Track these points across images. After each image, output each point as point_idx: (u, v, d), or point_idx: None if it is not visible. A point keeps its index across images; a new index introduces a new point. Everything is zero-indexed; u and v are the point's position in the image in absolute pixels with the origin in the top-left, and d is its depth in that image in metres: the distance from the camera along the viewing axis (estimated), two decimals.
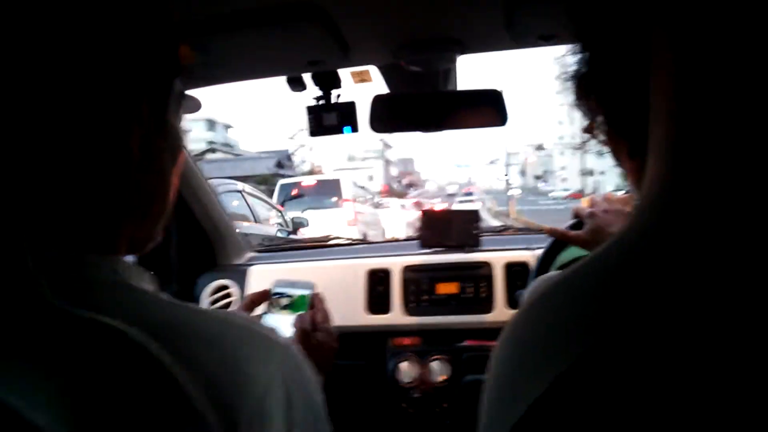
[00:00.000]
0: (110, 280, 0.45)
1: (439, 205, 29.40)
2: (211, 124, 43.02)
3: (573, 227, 1.10)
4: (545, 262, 1.28)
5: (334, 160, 54.41)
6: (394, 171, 69.04)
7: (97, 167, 0.45)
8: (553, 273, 0.57)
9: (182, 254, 1.80)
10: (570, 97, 0.45)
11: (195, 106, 1.47)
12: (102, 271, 0.45)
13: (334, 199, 10.28)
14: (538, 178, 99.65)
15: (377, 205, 13.24)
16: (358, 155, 59.93)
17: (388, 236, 10.50)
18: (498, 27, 1.06)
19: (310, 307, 0.99)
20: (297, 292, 1.00)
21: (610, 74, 0.40)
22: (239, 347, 0.45)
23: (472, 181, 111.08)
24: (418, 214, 1.86)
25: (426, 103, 1.21)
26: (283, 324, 0.94)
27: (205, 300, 1.76)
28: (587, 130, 0.45)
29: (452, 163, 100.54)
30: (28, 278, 0.41)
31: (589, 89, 0.43)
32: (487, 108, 1.23)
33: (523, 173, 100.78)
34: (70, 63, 0.41)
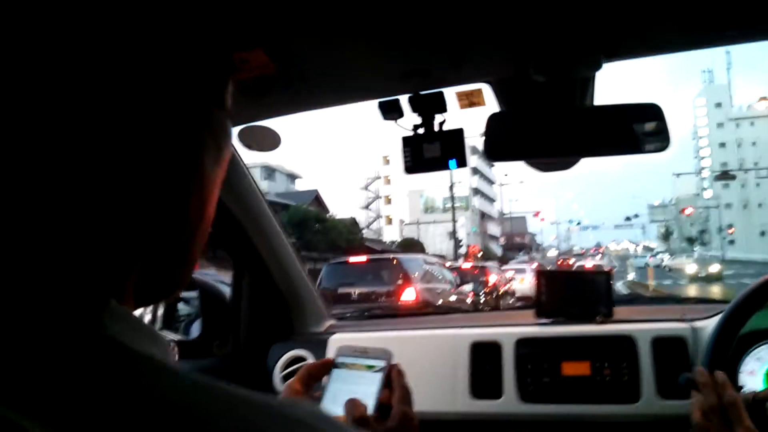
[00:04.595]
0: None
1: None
2: (270, 172, 35.92)
3: None
4: (728, 333, 0.98)
5: (407, 212, 45.23)
6: (494, 229, 58.33)
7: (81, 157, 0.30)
8: None
9: (254, 318, 1.57)
10: None
11: (274, 141, 1.27)
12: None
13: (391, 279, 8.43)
14: (692, 241, 77.77)
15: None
16: (437, 204, 46.84)
17: None
18: (682, 19, 0.79)
19: (384, 383, 0.76)
20: (369, 363, 0.80)
21: None
22: None
23: (600, 245, 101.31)
24: (533, 275, 1.54)
25: (563, 121, 0.93)
26: (348, 396, 0.73)
27: (278, 374, 1.50)
28: None
29: (575, 224, 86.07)
30: None
31: None
32: (642, 128, 0.94)
33: (666, 236, 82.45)
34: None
